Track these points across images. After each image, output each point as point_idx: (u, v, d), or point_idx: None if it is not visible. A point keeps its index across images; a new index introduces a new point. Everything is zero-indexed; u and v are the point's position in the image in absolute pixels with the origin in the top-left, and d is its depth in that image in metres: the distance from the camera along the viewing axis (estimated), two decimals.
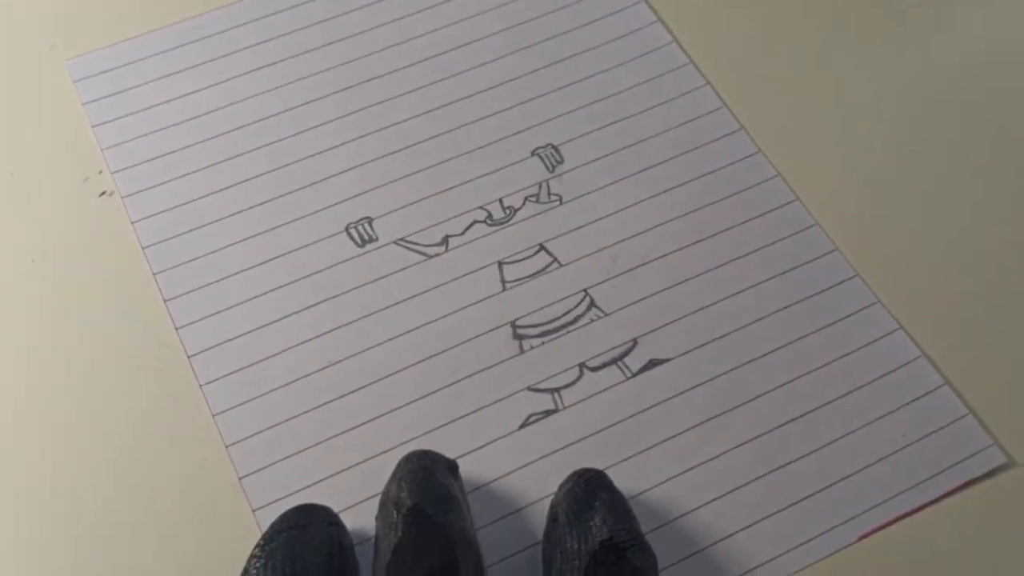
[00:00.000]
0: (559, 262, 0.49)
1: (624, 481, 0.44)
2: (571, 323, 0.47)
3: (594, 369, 0.46)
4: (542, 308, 0.48)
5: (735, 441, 0.45)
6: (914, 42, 0.55)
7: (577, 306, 0.48)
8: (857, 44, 0.55)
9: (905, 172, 0.51)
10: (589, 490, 0.40)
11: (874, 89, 0.53)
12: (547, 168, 0.51)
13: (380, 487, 0.43)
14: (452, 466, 0.42)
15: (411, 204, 0.50)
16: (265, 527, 0.42)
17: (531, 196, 0.51)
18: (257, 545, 0.39)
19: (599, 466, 0.44)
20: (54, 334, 0.47)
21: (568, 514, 0.40)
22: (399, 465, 0.41)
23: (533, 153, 0.52)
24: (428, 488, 0.40)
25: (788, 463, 0.44)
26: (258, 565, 0.38)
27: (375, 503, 0.43)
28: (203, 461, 0.44)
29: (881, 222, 0.50)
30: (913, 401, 0.46)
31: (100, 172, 0.51)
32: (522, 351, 0.47)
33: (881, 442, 0.45)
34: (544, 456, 0.44)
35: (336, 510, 0.42)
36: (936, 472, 0.44)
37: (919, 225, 0.50)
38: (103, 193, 0.50)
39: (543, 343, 0.47)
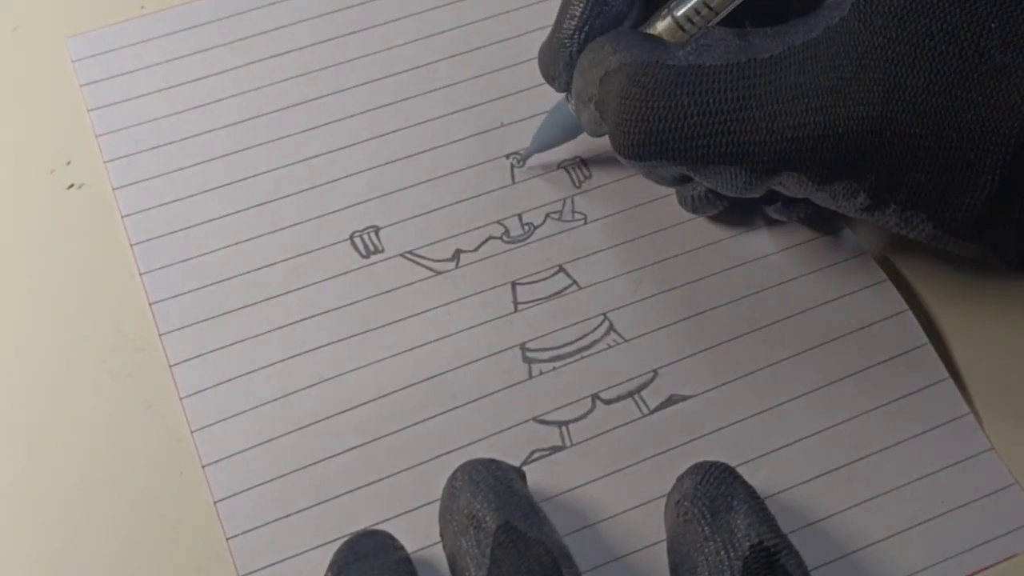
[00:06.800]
0: (578, 285, 0.46)
1: (634, 531, 0.41)
2: (587, 348, 0.44)
3: (608, 402, 0.43)
4: (556, 331, 0.44)
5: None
6: None
7: (595, 330, 0.44)
8: None
9: None
10: (725, 489, 0.37)
11: None
12: (573, 183, 0.48)
13: (366, 519, 0.40)
14: (522, 475, 0.39)
15: (423, 214, 0.47)
16: (239, 556, 0.40)
17: (553, 213, 0.47)
18: None
19: (606, 513, 0.41)
20: (17, 334, 0.45)
21: (703, 515, 0.36)
22: (462, 478, 0.37)
23: (559, 166, 0.48)
24: (512, 501, 0.36)
25: (813, 522, 0.41)
26: None
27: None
28: (179, 475, 0.42)
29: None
30: (955, 464, 0.42)
31: (69, 163, 0.48)
32: (531, 376, 0.43)
33: (918, 506, 0.41)
34: (544, 500, 0.41)
35: (321, 542, 0.40)
36: (977, 544, 0.41)
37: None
38: (71, 186, 0.48)
39: (554, 368, 0.44)
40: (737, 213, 0.47)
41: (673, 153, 0.40)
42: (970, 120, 0.37)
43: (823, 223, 0.47)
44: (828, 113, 0.38)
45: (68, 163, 0.49)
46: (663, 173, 0.42)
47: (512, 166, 0.48)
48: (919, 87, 0.37)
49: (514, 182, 0.48)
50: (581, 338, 0.44)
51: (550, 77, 0.45)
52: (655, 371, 0.44)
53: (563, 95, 0.46)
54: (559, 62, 0.44)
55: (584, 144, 0.48)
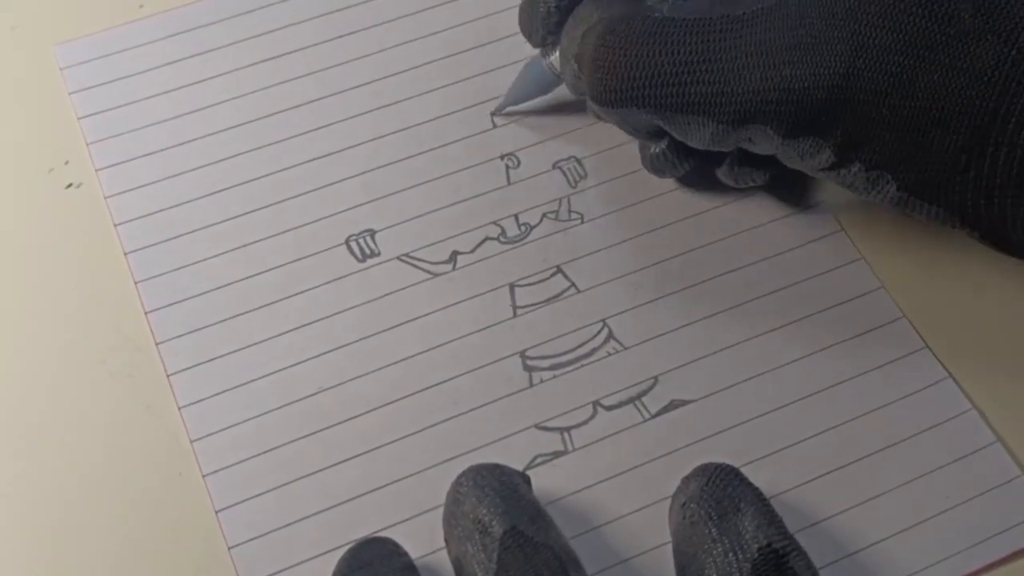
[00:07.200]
0: (576, 287, 0.45)
1: (638, 533, 0.40)
2: (586, 356, 0.44)
3: (609, 408, 0.43)
4: (556, 338, 0.44)
5: None
6: None
7: (594, 337, 0.44)
8: None
9: None
10: (732, 491, 0.37)
11: None
12: (569, 183, 0.48)
13: (369, 526, 0.40)
14: (527, 480, 0.39)
15: (419, 216, 0.47)
16: (241, 565, 0.40)
17: (550, 213, 0.47)
18: None
19: (607, 516, 0.41)
20: (17, 334, 0.45)
21: (710, 516, 0.36)
22: (466, 483, 0.37)
23: (555, 166, 0.48)
24: (518, 506, 0.36)
25: (816, 523, 0.41)
26: None
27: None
28: (178, 475, 0.42)
29: (920, 248, 0.47)
30: (960, 459, 0.42)
31: (67, 163, 0.48)
32: (531, 384, 0.43)
33: (923, 502, 0.41)
34: (548, 504, 0.40)
35: (324, 550, 0.40)
36: (983, 539, 0.40)
37: (965, 266, 0.46)
38: (70, 185, 0.48)
39: (555, 376, 0.43)
40: (735, 210, 0.47)
41: (644, 100, 0.41)
42: (936, 81, 0.37)
43: (822, 224, 0.47)
44: (795, 68, 0.39)
45: (66, 162, 0.48)
46: (635, 123, 0.43)
47: (507, 167, 0.48)
48: (887, 45, 0.38)
49: (509, 183, 0.48)
50: (580, 346, 0.44)
51: (527, 32, 0.46)
52: (655, 378, 0.43)
53: (538, 51, 0.47)
54: (536, 17, 0.45)
55: (580, 143, 0.49)
